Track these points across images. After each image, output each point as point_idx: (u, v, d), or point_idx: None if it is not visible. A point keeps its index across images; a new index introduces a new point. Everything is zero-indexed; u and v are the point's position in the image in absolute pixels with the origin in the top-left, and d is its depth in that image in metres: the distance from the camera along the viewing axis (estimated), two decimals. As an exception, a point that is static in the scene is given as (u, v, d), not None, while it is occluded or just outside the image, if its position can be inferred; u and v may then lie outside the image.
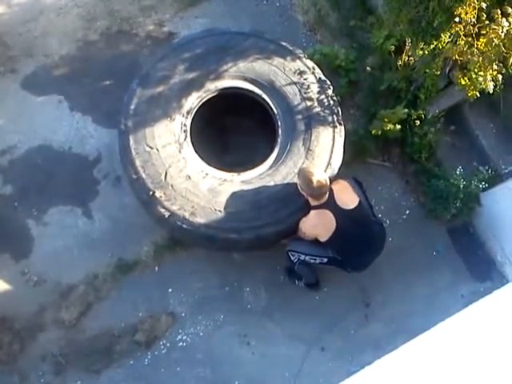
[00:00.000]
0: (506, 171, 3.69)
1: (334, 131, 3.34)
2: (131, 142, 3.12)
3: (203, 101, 3.30)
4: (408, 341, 2.30)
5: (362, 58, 3.98)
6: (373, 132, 3.72)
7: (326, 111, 3.36)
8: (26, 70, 3.85)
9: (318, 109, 3.35)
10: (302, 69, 3.43)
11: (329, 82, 3.48)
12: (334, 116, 3.38)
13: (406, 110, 3.67)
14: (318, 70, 3.48)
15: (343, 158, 3.37)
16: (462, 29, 3.28)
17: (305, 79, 3.39)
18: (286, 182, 3.16)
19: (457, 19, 3.24)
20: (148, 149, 3.11)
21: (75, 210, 3.61)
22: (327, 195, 3.03)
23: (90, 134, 3.78)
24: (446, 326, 2.27)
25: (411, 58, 3.61)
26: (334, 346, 3.36)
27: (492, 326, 2.22)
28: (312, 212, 3.03)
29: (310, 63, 3.50)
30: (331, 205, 3.02)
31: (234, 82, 3.33)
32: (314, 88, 3.40)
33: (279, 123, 3.30)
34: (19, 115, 3.73)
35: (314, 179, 2.94)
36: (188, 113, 3.25)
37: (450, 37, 3.43)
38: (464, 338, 2.21)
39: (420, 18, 3.51)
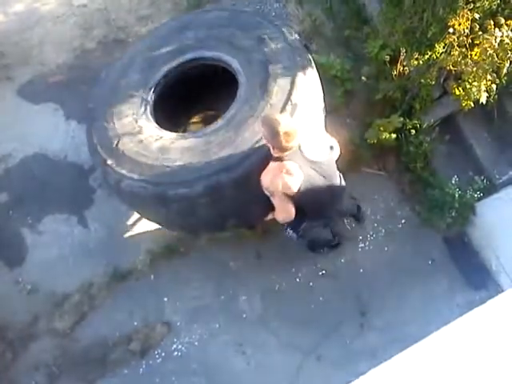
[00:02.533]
0: (501, 181, 3.70)
1: (294, 67, 3.09)
2: (93, 121, 3.11)
3: (166, 75, 3.23)
4: (404, 350, 2.29)
5: (358, 68, 4.01)
6: (368, 141, 3.74)
7: (285, 52, 3.14)
8: (22, 78, 3.86)
9: (276, 52, 3.14)
10: (261, 24, 3.28)
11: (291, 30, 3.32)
12: (295, 54, 3.15)
13: (402, 119, 3.69)
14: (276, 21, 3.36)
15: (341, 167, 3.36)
16: (456, 39, 3.32)
17: (264, 34, 3.21)
18: (240, 127, 2.91)
19: (450, 30, 3.27)
20: (105, 124, 3.06)
21: (70, 218, 3.61)
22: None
23: (85, 142, 3.75)
24: (442, 335, 2.26)
25: (406, 68, 3.64)
26: (330, 355, 3.34)
27: (487, 335, 2.22)
28: (275, 164, 2.65)
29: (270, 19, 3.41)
30: (299, 157, 2.68)
31: (195, 54, 3.25)
32: (273, 34, 3.21)
33: (240, 79, 3.11)
34: (15, 123, 3.74)
35: (281, 130, 2.52)
36: (150, 88, 3.18)
37: (444, 47, 3.46)
38: (460, 347, 2.21)
39: (414, 28, 3.54)
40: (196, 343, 3.40)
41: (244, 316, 3.47)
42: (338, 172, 3.02)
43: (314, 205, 2.89)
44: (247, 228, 3.51)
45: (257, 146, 2.81)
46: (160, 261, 3.53)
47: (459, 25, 3.25)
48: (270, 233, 3.64)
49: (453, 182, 3.65)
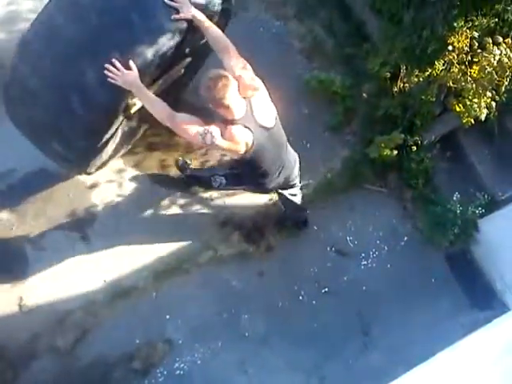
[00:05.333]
0: (503, 198, 3.71)
1: None
2: None
3: None
4: (408, 370, 2.28)
5: (358, 85, 4.04)
6: (369, 157, 3.75)
7: None
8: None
9: None
10: None
11: None
12: None
13: (403, 136, 3.71)
14: None
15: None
16: (456, 57, 3.36)
17: None
18: None
19: (450, 47, 3.31)
20: None
21: (72, 234, 3.59)
22: (243, 108, 2.64)
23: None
24: (447, 356, 2.25)
25: (406, 85, 3.67)
26: (333, 376, 3.31)
27: (494, 355, 2.21)
28: (228, 126, 2.62)
29: None
30: (251, 122, 2.66)
31: None
32: None
33: None
34: (19, 139, 3.73)
35: (210, 77, 2.51)
36: None
37: (443, 64, 3.49)
38: (465, 368, 2.19)
39: (414, 45, 3.57)
40: (198, 362, 3.37)
41: (246, 335, 3.45)
42: (286, 143, 3.03)
43: (258, 170, 2.89)
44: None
45: None
46: (162, 279, 3.51)
47: (458, 42, 3.30)
48: (272, 251, 3.65)
49: (454, 198, 3.66)
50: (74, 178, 3.72)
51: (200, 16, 2.68)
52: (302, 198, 3.53)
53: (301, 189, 3.48)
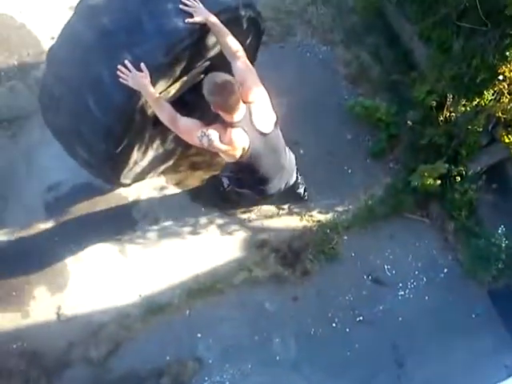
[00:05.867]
0: (551, 233, 3.56)
1: None
2: None
3: None
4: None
5: (403, 112, 4.00)
6: (412, 186, 3.68)
7: None
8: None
9: None
10: None
11: None
12: None
13: (447, 166, 3.63)
14: None
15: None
16: (506, 86, 3.28)
17: None
18: None
19: (500, 77, 3.24)
20: None
21: (112, 247, 3.68)
22: (242, 112, 2.67)
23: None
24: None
25: (453, 114, 3.61)
26: (364, 406, 3.22)
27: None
28: (228, 129, 2.65)
29: None
30: (247, 125, 2.69)
31: None
32: None
33: None
34: (65, 153, 3.88)
35: (216, 81, 2.55)
36: None
37: (493, 94, 3.42)
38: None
39: (463, 74, 3.53)
40: (227, 383, 3.34)
41: (277, 359, 3.41)
42: (286, 149, 3.04)
43: (255, 174, 2.92)
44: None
45: None
46: (196, 297, 3.53)
47: (510, 72, 3.22)
48: (308, 275, 3.61)
49: (499, 232, 3.53)
50: (116, 193, 3.82)
51: (213, 19, 2.71)
52: (305, 189, 3.64)
53: (302, 183, 3.56)
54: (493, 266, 3.42)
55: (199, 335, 3.46)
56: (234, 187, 3.35)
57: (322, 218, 3.77)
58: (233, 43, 2.75)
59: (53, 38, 4.12)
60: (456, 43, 3.61)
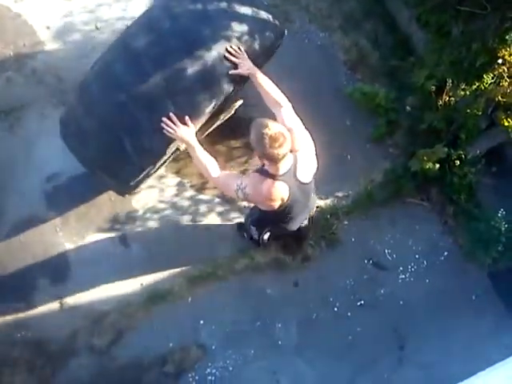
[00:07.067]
0: (551, 215, 3.57)
1: None
2: None
3: None
4: (444, 388, 2.21)
5: (402, 98, 3.99)
6: (411, 170, 3.69)
7: None
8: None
9: None
10: None
11: None
12: None
13: (446, 150, 3.63)
14: None
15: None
16: (506, 70, 3.28)
17: None
18: None
19: (500, 61, 3.23)
20: None
21: (113, 237, 3.68)
22: (289, 163, 2.51)
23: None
24: (489, 375, 2.16)
25: (452, 99, 3.60)
26: (366, 389, 3.25)
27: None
28: (268, 180, 2.50)
29: None
30: (291, 178, 2.54)
31: None
32: None
33: None
34: (63, 144, 3.88)
35: (267, 133, 2.34)
36: None
37: (492, 78, 3.42)
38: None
39: (462, 58, 3.52)
40: (230, 368, 3.37)
41: (279, 343, 3.43)
42: (314, 190, 2.96)
43: (284, 218, 2.83)
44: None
45: None
46: (198, 284, 3.55)
47: (510, 55, 3.21)
48: (309, 261, 3.63)
49: (499, 215, 3.54)
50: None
51: (256, 73, 2.72)
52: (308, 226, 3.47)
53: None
54: (492, 249, 3.43)
55: (202, 322, 3.48)
56: (258, 232, 3.24)
57: (322, 203, 3.77)
58: (275, 93, 2.71)
59: (48, 28, 4.12)
60: (455, 27, 3.60)
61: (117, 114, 2.71)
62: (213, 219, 3.75)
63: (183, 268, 3.61)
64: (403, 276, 3.57)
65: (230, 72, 2.68)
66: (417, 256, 3.51)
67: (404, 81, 4.08)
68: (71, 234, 3.67)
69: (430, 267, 3.52)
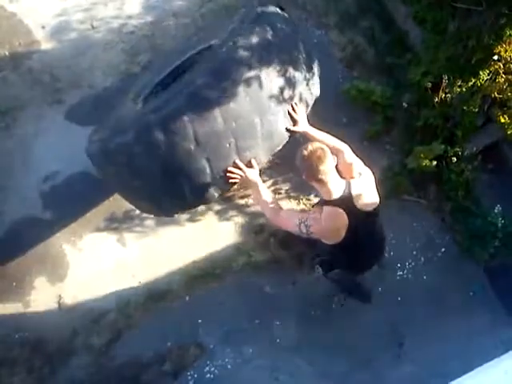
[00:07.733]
0: (547, 211, 3.59)
1: None
2: None
3: None
4: (442, 384, 2.22)
5: (399, 95, 3.99)
6: (408, 168, 3.69)
7: None
8: (72, 101, 4.01)
9: None
10: None
11: None
12: None
13: (443, 147, 3.64)
14: None
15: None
16: (502, 66, 3.28)
17: None
18: None
19: (496, 57, 3.24)
20: None
21: (110, 236, 3.68)
22: (341, 187, 2.55)
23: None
24: (485, 372, 2.17)
25: (448, 95, 3.60)
26: (364, 386, 3.26)
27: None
28: (324, 208, 2.55)
29: None
30: (348, 204, 2.55)
31: None
32: None
33: None
34: (62, 143, 3.87)
35: (306, 149, 2.49)
36: None
37: (488, 74, 3.42)
38: (504, 385, 2.12)
39: (458, 55, 3.52)
40: (229, 366, 3.37)
41: (278, 341, 3.44)
42: (382, 226, 2.91)
43: (352, 255, 2.76)
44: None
45: None
46: (196, 283, 3.55)
47: (506, 52, 3.22)
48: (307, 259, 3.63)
49: (496, 211, 3.55)
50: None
51: (310, 131, 2.80)
52: None
53: None
54: (489, 245, 3.46)
55: (200, 320, 3.48)
56: (325, 272, 3.17)
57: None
58: (331, 142, 2.77)
59: (43, 27, 4.10)
60: (451, 24, 3.60)
61: (184, 160, 2.68)
62: (210, 217, 3.75)
63: (181, 267, 3.61)
64: (401, 273, 3.58)
65: (288, 127, 2.76)
66: (414, 253, 3.51)
67: (400, 78, 4.09)
68: (69, 233, 3.67)
69: (427, 264, 3.53)
